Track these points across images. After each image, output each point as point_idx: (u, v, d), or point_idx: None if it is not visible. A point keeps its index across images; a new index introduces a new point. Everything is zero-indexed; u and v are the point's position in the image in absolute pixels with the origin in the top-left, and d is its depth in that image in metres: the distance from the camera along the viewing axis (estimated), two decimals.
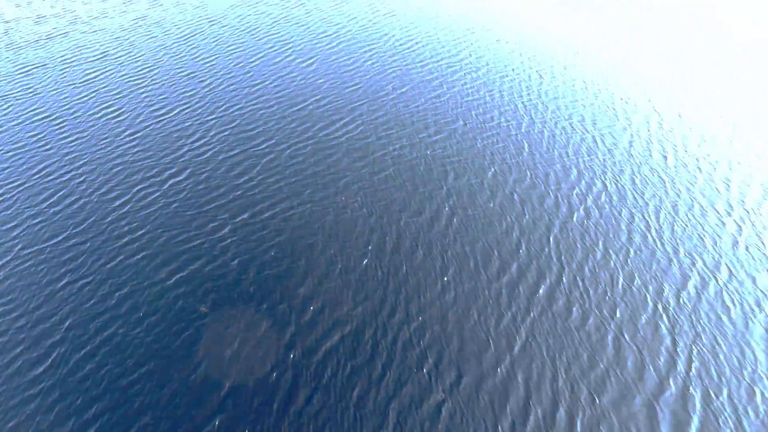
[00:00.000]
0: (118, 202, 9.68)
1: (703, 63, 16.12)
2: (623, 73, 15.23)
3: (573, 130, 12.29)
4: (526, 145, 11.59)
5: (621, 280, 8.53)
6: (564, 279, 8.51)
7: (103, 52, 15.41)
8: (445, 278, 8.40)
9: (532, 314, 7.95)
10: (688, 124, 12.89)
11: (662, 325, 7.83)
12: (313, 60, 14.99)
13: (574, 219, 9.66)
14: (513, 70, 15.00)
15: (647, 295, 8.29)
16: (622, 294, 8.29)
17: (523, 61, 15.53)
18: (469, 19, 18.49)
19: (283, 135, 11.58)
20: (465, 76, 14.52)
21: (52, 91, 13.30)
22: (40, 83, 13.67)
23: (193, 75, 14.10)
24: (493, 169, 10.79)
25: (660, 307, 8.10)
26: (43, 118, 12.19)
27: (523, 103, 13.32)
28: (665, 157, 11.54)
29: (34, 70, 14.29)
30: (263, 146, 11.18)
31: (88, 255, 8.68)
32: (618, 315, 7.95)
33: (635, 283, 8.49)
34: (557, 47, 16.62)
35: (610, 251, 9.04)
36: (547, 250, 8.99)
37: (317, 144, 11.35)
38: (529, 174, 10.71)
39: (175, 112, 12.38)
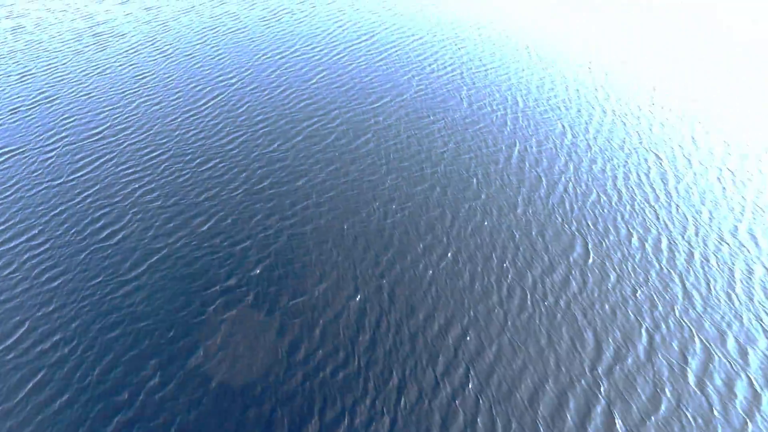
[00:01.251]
0: (117, 398, 6.50)
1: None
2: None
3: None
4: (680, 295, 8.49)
5: None
6: None
7: (99, 130, 12.30)
8: None
9: None
10: None
11: None
12: (367, 137, 11.88)
13: None
14: (633, 157, 11.89)
15: None
16: None
17: (631, 144, 12.46)
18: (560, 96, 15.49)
19: (346, 271, 8.44)
20: (560, 178, 11.43)
21: (29, 192, 10.16)
22: (13, 179, 10.53)
23: (215, 168, 10.97)
24: (647, 338, 7.68)
25: None
26: (12, 238, 9.03)
27: (652, 212, 10.20)
28: None
29: (8, 159, 11.16)
30: (322, 292, 8.04)
31: None
32: None
33: None
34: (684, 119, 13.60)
35: None
36: None
37: (400, 290, 8.22)
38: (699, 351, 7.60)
39: (193, 231, 9.25)
